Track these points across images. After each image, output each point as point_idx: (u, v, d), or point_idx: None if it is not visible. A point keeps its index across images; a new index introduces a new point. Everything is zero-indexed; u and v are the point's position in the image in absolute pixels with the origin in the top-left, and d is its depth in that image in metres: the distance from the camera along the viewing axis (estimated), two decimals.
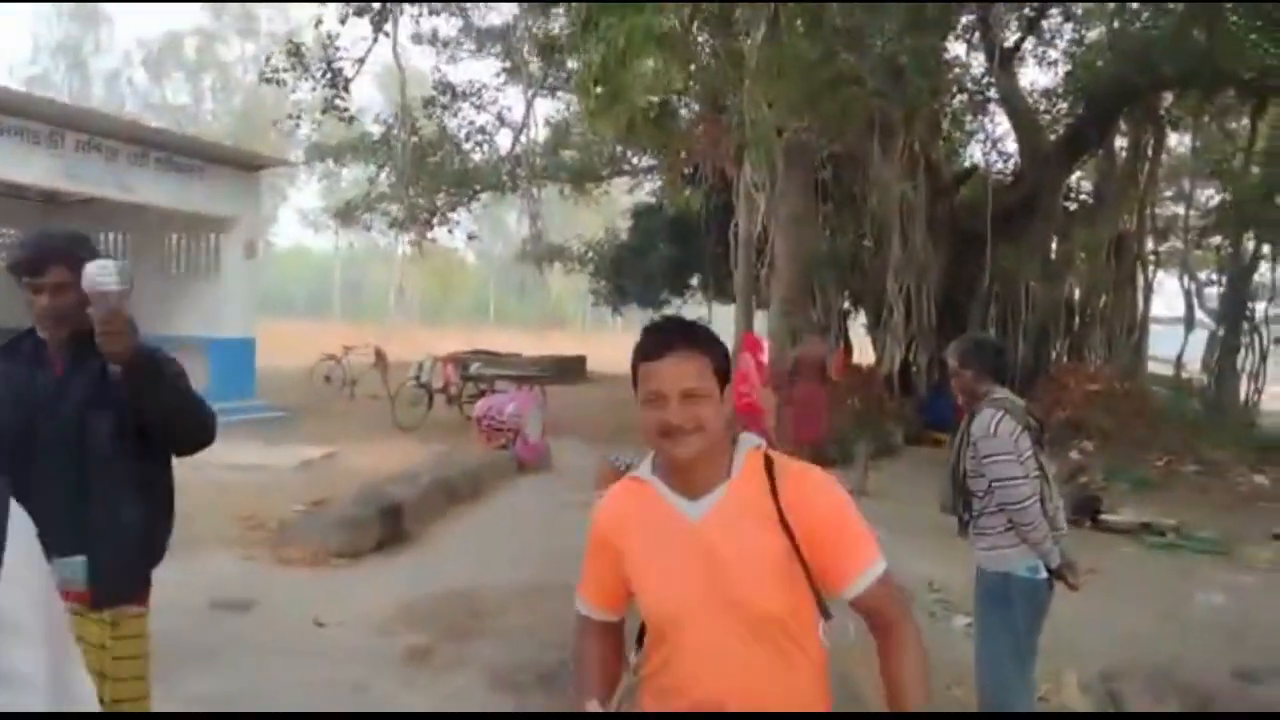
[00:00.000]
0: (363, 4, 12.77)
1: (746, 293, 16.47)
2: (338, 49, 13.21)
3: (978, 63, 15.80)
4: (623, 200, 25.15)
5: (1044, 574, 3.19)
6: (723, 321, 21.68)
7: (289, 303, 49.07)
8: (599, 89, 8.05)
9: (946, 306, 14.21)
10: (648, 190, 21.81)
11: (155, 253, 13.42)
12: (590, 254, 22.96)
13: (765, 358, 9.68)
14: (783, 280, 13.74)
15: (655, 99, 11.01)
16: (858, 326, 17.67)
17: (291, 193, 43.98)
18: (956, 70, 15.21)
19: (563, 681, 4.36)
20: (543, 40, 14.88)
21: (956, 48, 15.38)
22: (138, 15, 43.08)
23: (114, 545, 2.15)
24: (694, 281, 21.95)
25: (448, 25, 18.25)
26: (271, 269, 58.00)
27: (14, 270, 2.18)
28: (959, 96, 15.88)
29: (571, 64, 13.03)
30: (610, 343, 25.99)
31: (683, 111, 14.66)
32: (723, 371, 1.59)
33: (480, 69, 20.87)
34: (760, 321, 15.98)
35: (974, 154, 17.85)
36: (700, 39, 12.29)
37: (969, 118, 16.67)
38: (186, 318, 12.91)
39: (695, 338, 1.59)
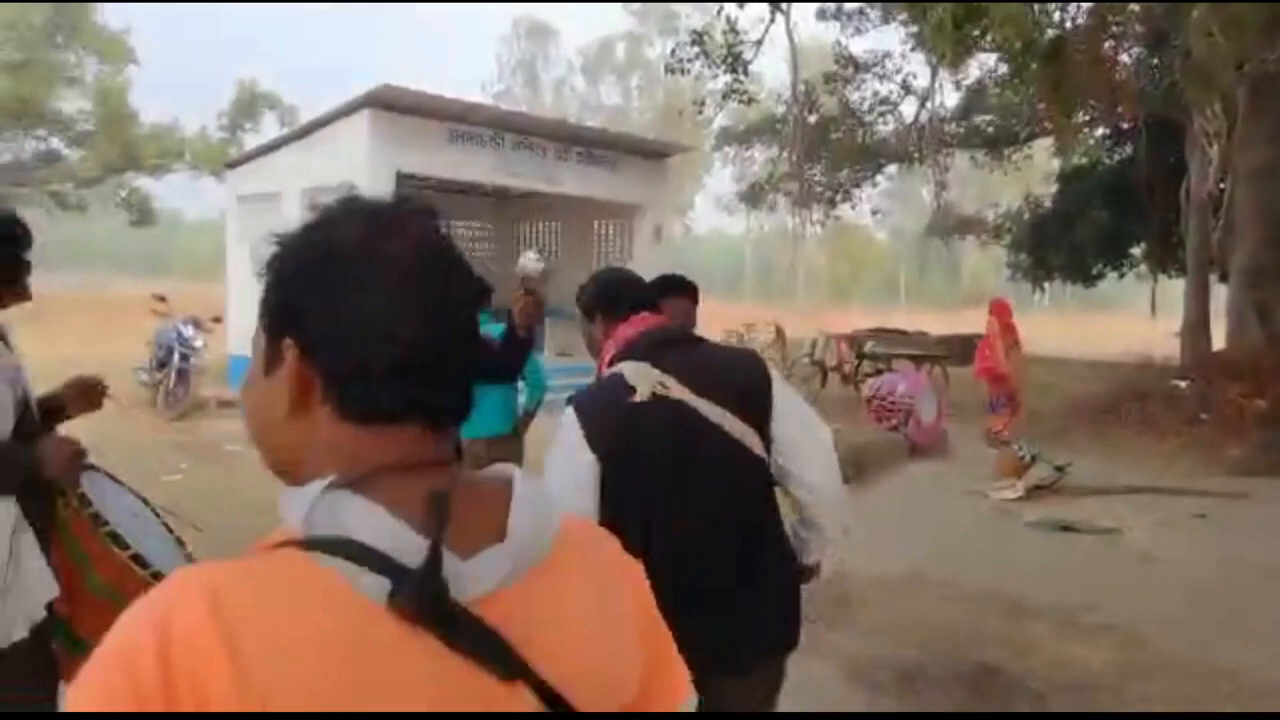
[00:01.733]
0: None
1: (1200, 262, 14.00)
2: (737, 33, 13.49)
3: None
4: (1046, 164, 22.70)
5: None
6: (1170, 296, 18.67)
7: (708, 284, 51.70)
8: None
9: None
10: (1080, 152, 19.40)
11: (581, 239, 14.87)
12: (1008, 225, 21.11)
13: (1013, 320, 8.97)
14: (1246, 246, 11.39)
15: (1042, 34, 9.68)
16: None
17: (707, 179, 46.49)
18: None
19: (919, 683, 3.97)
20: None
21: None
22: (578, 27, 48.24)
23: None
24: (1135, 251, 19.19)
25: None
26: (690, 252, 61.97)
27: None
28: None
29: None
30: (1032, 322, 23.74)
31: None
32: None
33: (884, 38, 19.97)
34: (1219, 296, 13.48)
35: None
36: None
37: None
38: None
39: None
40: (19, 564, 2.17)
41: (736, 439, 2.02)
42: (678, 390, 2.01)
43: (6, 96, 22.57)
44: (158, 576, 2.25)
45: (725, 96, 14.01)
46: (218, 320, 10.78)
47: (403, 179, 11.04)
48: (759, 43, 13.43)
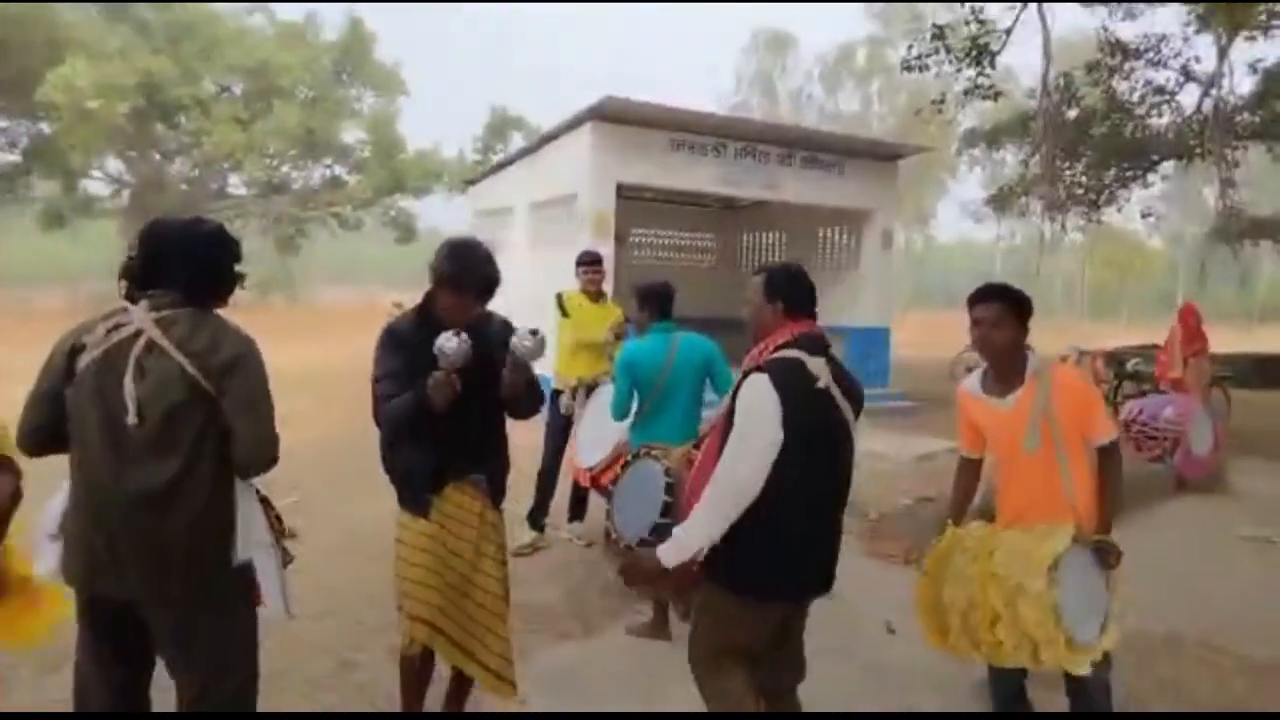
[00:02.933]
0: None
1: None
2: (984, 24, 12.47)
3: None
4: None
5: None
6: None
7: (952, 296, 49.19)
8: None
9: None
10: None
11: (806, 247, 14.40)
12: None
13: (1201, 327, 8.44)
14: None
15: None
16: None
17: (952, 184, 43.96)
18: None
19: None
20: None
21: None
22: (818, 34, 47.48)
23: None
24: None
25: None
26: (932, 262, 58.90)
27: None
28: None
29: None
30: None
31: None
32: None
33: (1160, 20, 17.82)
34: None
35: None
36: None
37: None
38: (829, 306, 13.60)
39: None
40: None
41: (851, 433, 2.67)
42: (833, 387, 2.58)
43: (298, 129, 25.46)
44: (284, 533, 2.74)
45: (967, 93, 12.99)
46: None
47: (623, 190, 11.16)
48: (1008, 31, 12.34)
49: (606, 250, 10.73)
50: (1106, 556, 2.94)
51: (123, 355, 2.19)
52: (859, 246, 13.32)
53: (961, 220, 47.42)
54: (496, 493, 3.10)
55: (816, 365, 2.54)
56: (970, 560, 3.01)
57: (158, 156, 27.72)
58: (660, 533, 2.97)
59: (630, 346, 4.59)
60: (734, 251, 16.03)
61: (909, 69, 12.70)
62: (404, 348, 2.88)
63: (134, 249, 2.32)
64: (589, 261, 5.91)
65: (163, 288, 2.27)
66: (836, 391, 2.58)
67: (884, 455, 9.57)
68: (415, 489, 2.94)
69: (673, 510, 3.19)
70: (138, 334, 2.21)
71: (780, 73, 44.60)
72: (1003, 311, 3.03)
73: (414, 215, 30.53)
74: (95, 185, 27.79)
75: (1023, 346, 3.05)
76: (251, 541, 2.34)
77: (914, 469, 9.01)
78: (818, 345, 2.61)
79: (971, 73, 12.74)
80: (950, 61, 13.15)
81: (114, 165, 27.80)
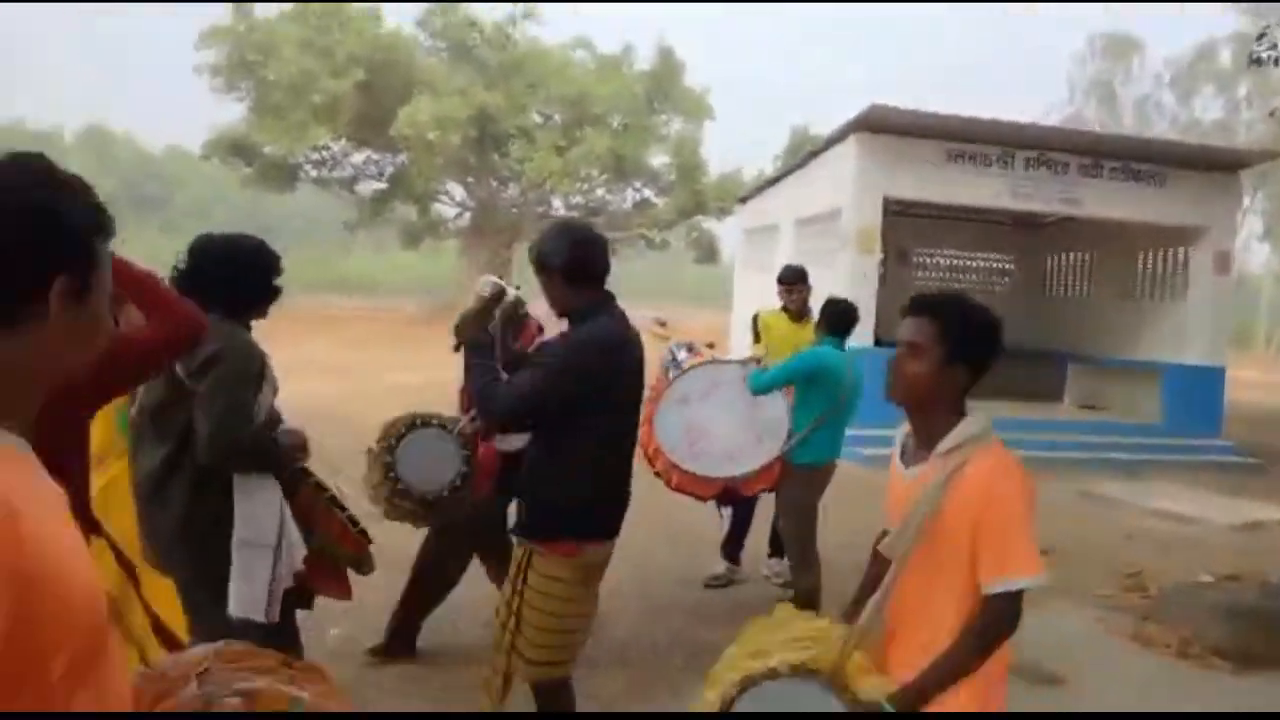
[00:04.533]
0: None
1: None
2: None
3: None
4: None
5: None
6: None
7: None
8: None
9: None
10: None
11: (1123, 271, 12.57)
12: None
13: None
14: None
15: None
16: None
17: None
18: None
19: None
20: None
21: None
22: (1168, 37, 41.76)
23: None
24: None
25: None
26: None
27: None
28: None
29: None
30: None
31: None
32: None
33: None
34: None
35: None
36: None
37: None
38: (1146, 340, 11.77)
39: None
40: (286, 529, 2.61)
41: None
42: None
43: (607, 155, 26.99)
44: (363, 533, 3.01)
45: None
46: (711, 345, 11.33)
47: (899, 205, 10.42)
48: None
49: (871, 269, 10.09)
50: None
51: None
52: (1186, 270, 11.35)
53: None
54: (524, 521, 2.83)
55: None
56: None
57: (493, 183, 30.74)
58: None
59: (826, 351, 4.54)
60: (1037, 274, 14.39)
61: (1257, 62, 10.59)
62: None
63: (182, 260, 2.54)
64: (789, 280, 5.51)
65: (203, 297, 2.38)
66: None
67: (1194, 519, 8.04)
68: None
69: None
70: None
71: (1123, 79, 39.76)
72: (925, 332, 1.98)
73: (716, 236, 31.11)
74: (445, 208, 31.48)
75: (950, 394, 2.00)
76: (239, 539, 2.44)
77: (1228, 540, 7.47)
78: None
79: None
80: None
81: (459, 191, 31.28)
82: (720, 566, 5.56)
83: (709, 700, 1.87)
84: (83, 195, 1.01)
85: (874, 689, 1.83)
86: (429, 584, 4.02)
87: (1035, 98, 71.80)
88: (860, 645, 1.90)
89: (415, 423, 3.65)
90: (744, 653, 1.94)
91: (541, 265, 2.70)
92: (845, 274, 9.58)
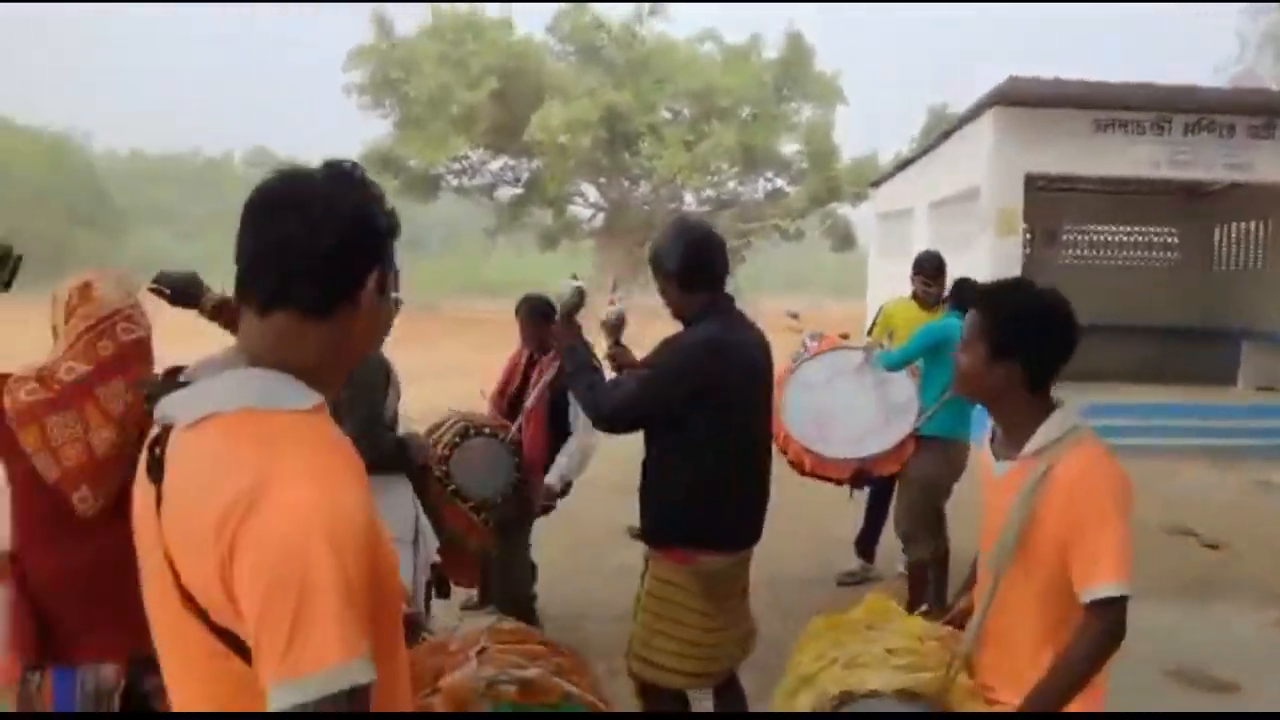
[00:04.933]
0: None
1: None
2: None
3: None
4: None
5: None
6: None
7: None
8: None
9: None
10: None
11: None
12: None
13: None
14: None
15: None
16: None
17: None
18: None
19: None
20: None
21: None
22: None
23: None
24: None
25: None
26: None
27: None
28: None
29: None
30: None
31: None
32: None
33: None
34: None
35: None
36: None
37: None
38: None
39: None
40: (420, 523, 2.76)
41: None
42: None
43: (735, 147, 26.76)
44: (486, 522, 3.23)
45: None
46: (845, 336, 11.07)
47: (1043, 181, 9.87)
48: None
49: (1013, 252, 9.59)
50: None
51: None
52: None
53: None
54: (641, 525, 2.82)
55: None
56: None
57: (625, 182, 31.08)
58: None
59: (950, 323, 4.42)
60: (1203, 247, 13.31)
61: None
62: None
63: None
64: (929, 271, 5.19)
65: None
66: None
67: None
68: None
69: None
70: None
71: None
72: (974, 326, 1.89)
73: (851, 223, 30.35)
74: (579, 210, 32.04)
75: (1011, 390, 1.86)
76: None
77: None
78: None
79: None
80: None
81: (592, 192, 31.78)
82: (854, 563, 5.45)
83: (800, 703, 1.83)
84: (383, 200, 1.16)
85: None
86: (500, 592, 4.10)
87: (1198, 56, 66.29)
88: (964, 667, 1.83)
89: (469, 431, 3.70)
90: (839, 655, 1.89)
91: (657, 268, 2.68)
92: (986, 258, 9.15)
